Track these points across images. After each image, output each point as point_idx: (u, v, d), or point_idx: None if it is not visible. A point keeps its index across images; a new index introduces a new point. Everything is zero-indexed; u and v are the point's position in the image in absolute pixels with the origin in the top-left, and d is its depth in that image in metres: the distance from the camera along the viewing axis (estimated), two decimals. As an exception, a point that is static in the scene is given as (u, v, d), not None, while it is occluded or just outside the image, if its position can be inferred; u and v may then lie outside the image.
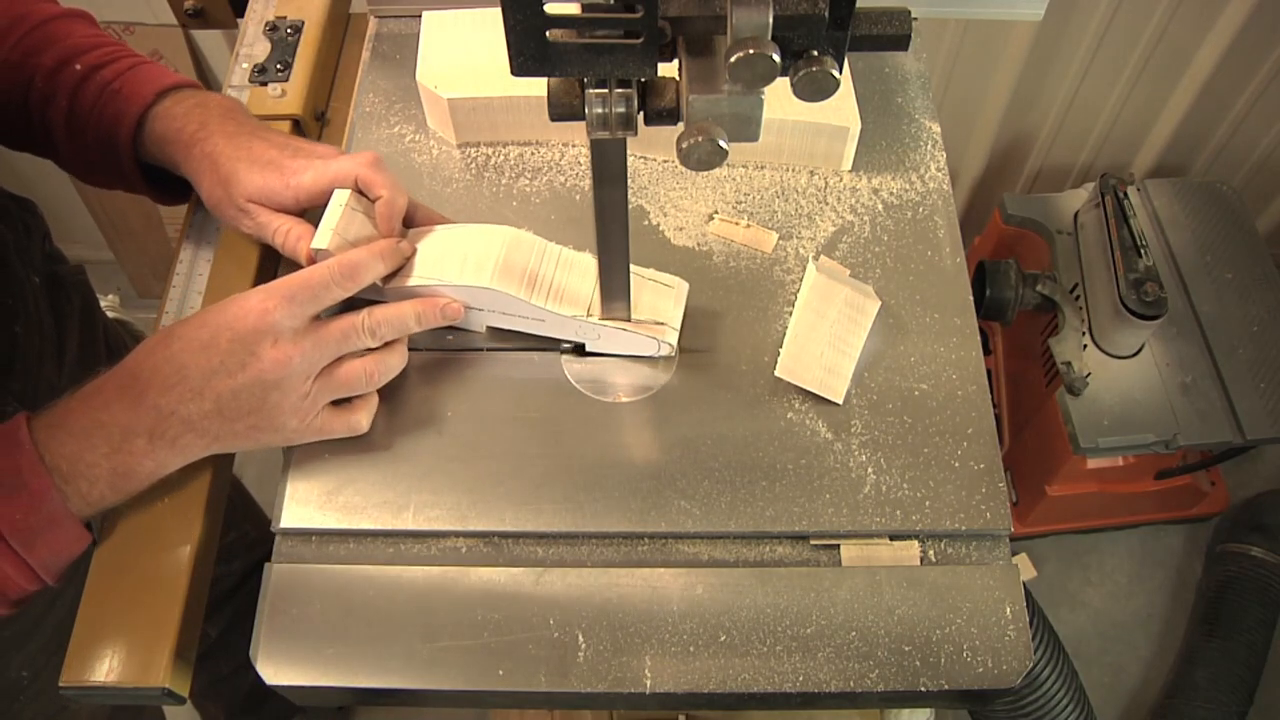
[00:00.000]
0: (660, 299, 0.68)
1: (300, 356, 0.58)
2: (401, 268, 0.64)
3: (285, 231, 0.65)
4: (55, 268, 0.85)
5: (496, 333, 0.69)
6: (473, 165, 0.78)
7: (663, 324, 0.67)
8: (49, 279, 0.82)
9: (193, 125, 0.67)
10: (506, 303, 0.65)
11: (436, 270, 0.64)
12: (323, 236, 0.62)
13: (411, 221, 0.68)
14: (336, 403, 0.62)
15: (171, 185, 0.72)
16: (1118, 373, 1.24)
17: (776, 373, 0.66)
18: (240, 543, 1.02)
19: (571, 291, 0.65)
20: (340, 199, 0.64)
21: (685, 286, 0.69)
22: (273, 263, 0.75)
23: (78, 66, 0.68)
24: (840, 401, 0.66)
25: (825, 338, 0.68)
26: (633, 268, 0.64)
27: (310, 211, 0.66)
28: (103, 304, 0.96)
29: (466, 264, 0.64)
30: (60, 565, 0.57)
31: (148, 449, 0.57)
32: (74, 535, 0.56)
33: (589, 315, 0.65)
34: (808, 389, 0.66)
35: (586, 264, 0.66)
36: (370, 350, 0.62)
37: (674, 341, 0.67)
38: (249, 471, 1.06)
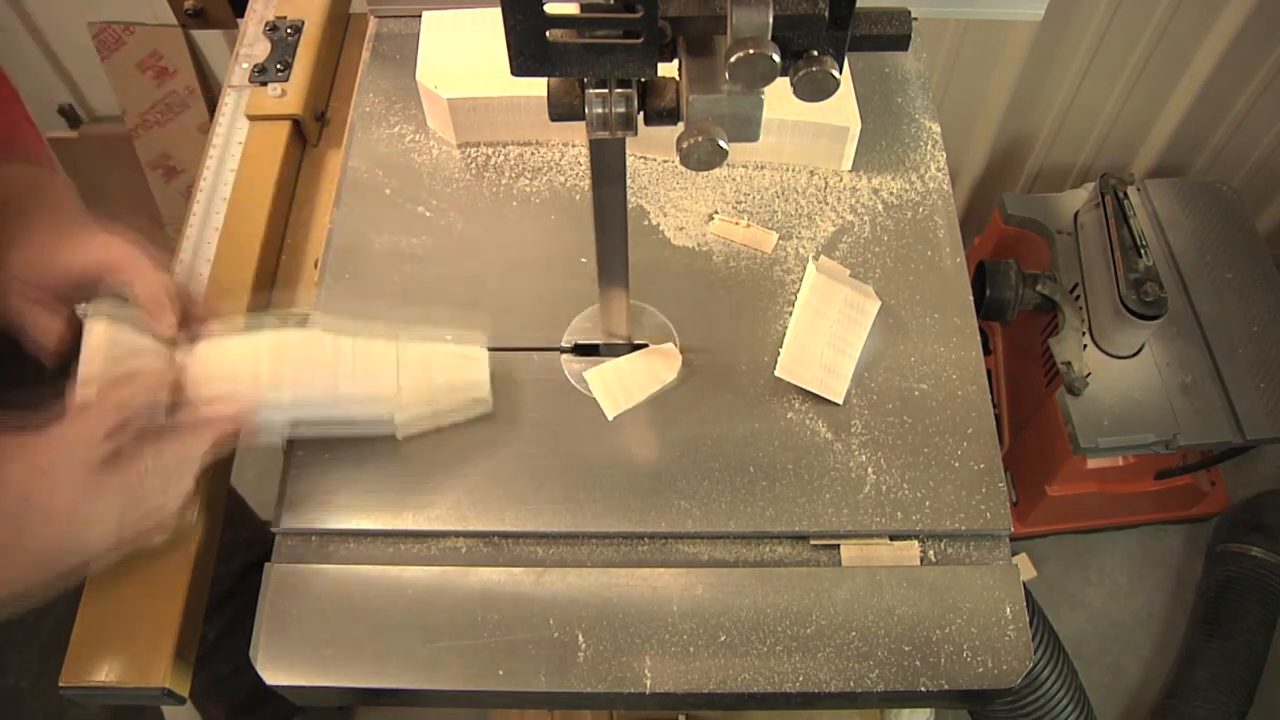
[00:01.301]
0: (461, 372, 0.64)
1: (89, 515, 0.52)
2: (181, 391, 0.58)
3: (34, 317, 0.60)
4: None
5: (497, 333, 0.69)
6: (473, 165, 0.78)
7: (474, 397, 0.64)
8: None
9: None
10: (306, 410, 0.60)
11: (225, 388, 0.58)
12: (86, 387, 0.56)
13: (191, 308, 0.61)
14: None
15: None
16: (1118, 373, 1.24)
17: (777, 373, 0.66)
18: (235, 544, 1.02)
19: (374, 384, 0.61)
20: (94, 333, 0.57)
21: (484, 352, 0.65)
22: (273, 263, 0.75)
23: None
24: (840, 401, 0.66)
25: (825, 338, 0.68)
26: (430, 338, 0.63)
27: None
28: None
29: (259, 374, 0.58)
30: None
31: None
32: None
33: (397, 407, 0.61)
34: (808, 389, 0.66)
35: (382, 352, 0.62)
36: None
37: (487, 400, 0.64)
38: (249, 472, 1.05)
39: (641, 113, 0.49)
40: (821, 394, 0.66)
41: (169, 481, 0.55)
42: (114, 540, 0.54)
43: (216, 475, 0.65)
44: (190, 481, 0.57)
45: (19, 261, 0.60)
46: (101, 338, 0.57)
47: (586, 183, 0.76)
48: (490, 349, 0.68)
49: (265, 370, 0.59)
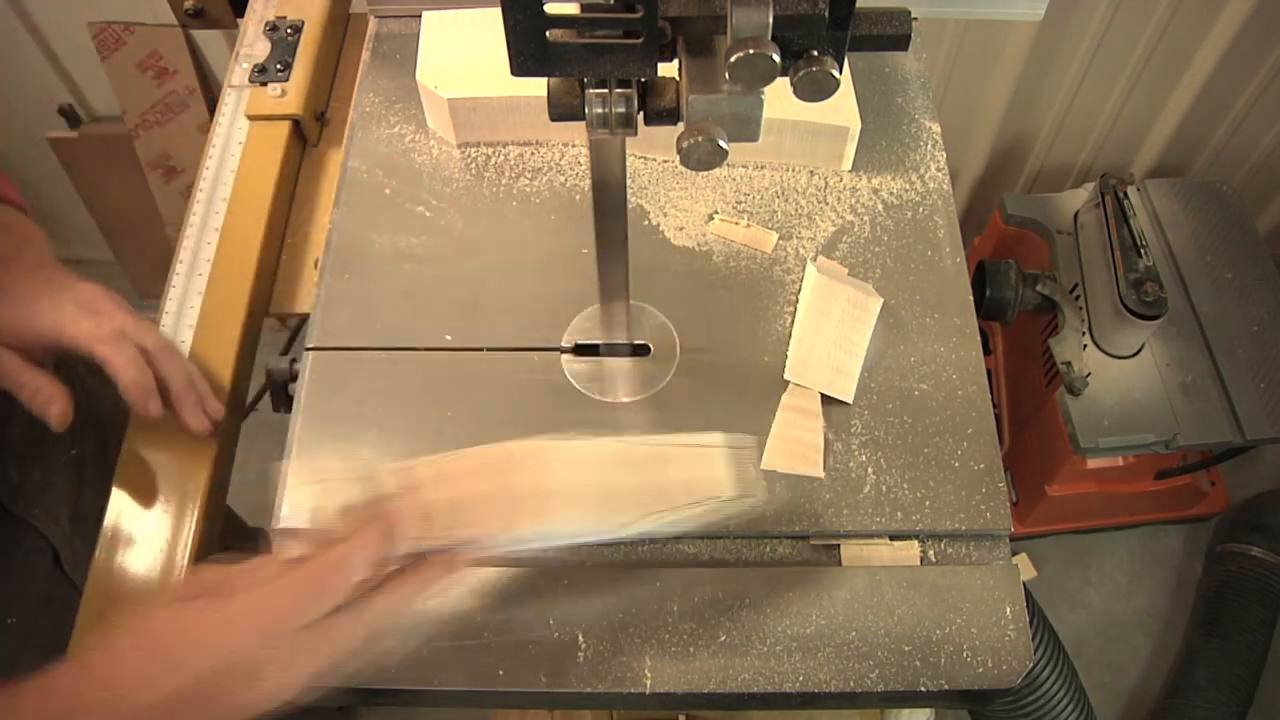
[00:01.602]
0: (704, 468, 0.54)
1: (307, 671, 0.45)
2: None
3: (35, 390, 0.59)
4: None
5: (497, 333, 0.69)
6: (473, 165, 0.78)
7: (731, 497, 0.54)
8: None
9: None
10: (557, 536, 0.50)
11: (470, 528, 0.48)
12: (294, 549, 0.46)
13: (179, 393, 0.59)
14: None
15: None
16: (1118, 373, 1.24)
17: (785, 375, 0.66)
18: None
19: (619, 494, 0.52)
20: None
21: (744, 446, 0.55)
22: (273, 263, 0.75)
23: None
24: (850, 401, 0.66)
25: (831, 338, 0.68)
26: (681, 439, 0.53)
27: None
28: None
29: (522, 505, 0.48)
30: None
31: None
32: None
33: (644, 516, 0.51)
34: (817, 390, 0.66)
35: (629, 456, 0.53)
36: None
37: (750, 493, 0.55)
38: (249, 472, 1.05)
39: (641, 113, 0.49)
40: (831, 394, 0.66)
41: (385, 632, 0.47)
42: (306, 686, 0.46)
43: (217, 474, 0.65)
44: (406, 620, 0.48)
45: (2, 320, 0.59)
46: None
47: (586, 183, 0.76)
48: (490, 349, 0.68)
49: (559, 492, 0.49)
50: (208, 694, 0.43)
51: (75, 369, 0.89)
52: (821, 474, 0.64)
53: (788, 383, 0.67)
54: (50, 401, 0.58)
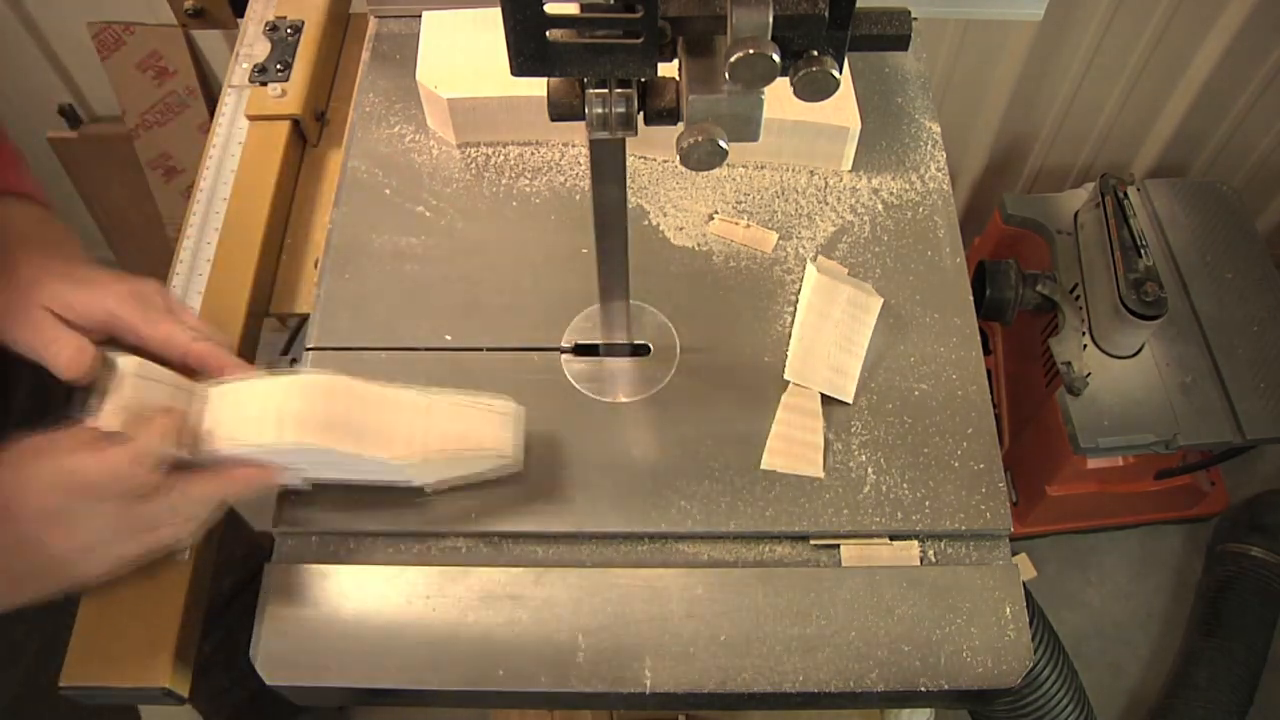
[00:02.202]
0: (493, 427, 0.61)
1: (96, 540, 0.54)
2: (206, 430, 0.57)
3: (55, 340, 0.58)
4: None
5: (497, 333, 0.69)
6: (473, 165, 0.78)
7: (502, 455, 0.61)
8: None
9: (8, 237, 0.62)
10: (328, 456, 0.57)
11: (249, 433, 0.56)
12: (108, 417, 0.55)
13: (203, 361, 0.61)
14: None
15: None
16: (1118, 373, 1.24)
17: (786, 375, 0.66)
18: (230, 562, 1.01)
19: (398, 434, 0.58)
20: (125, 365, 0.56)
21: (521, 411, 0.63)
22: (273, 263, 0.75)
23: None
24: (850, 401, 0.66)
25: (832, 338, 0.68)
26: (459, 396, 0.61)
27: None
28: None
29: (284, 422, 0.56)
30: None
31: None
32: None
33: (422, 459, 0.59)
34: (817, 390, 0.66)
35: (411, 402, 0.60)
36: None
37: (517, 459, 0.62)
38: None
39: (641, 113, 0.49)
40: (831, 394, 0.66)
41: (185, 521, 0.56)
42: (110, 569, 0.55)
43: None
44: (202, 522, 0.57)
45: (49, 294, 0.59)
46: (133, 367, 0.56)
47: (586, 183, 0.76)
48: (490, 349, 0.69)
49: (288, 413, 0.56)
50: (31, 537, 0.52)
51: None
52: (821, 474, 0.64)
53: (788, 383, 0.67)
54: (74, 362, 0.58)
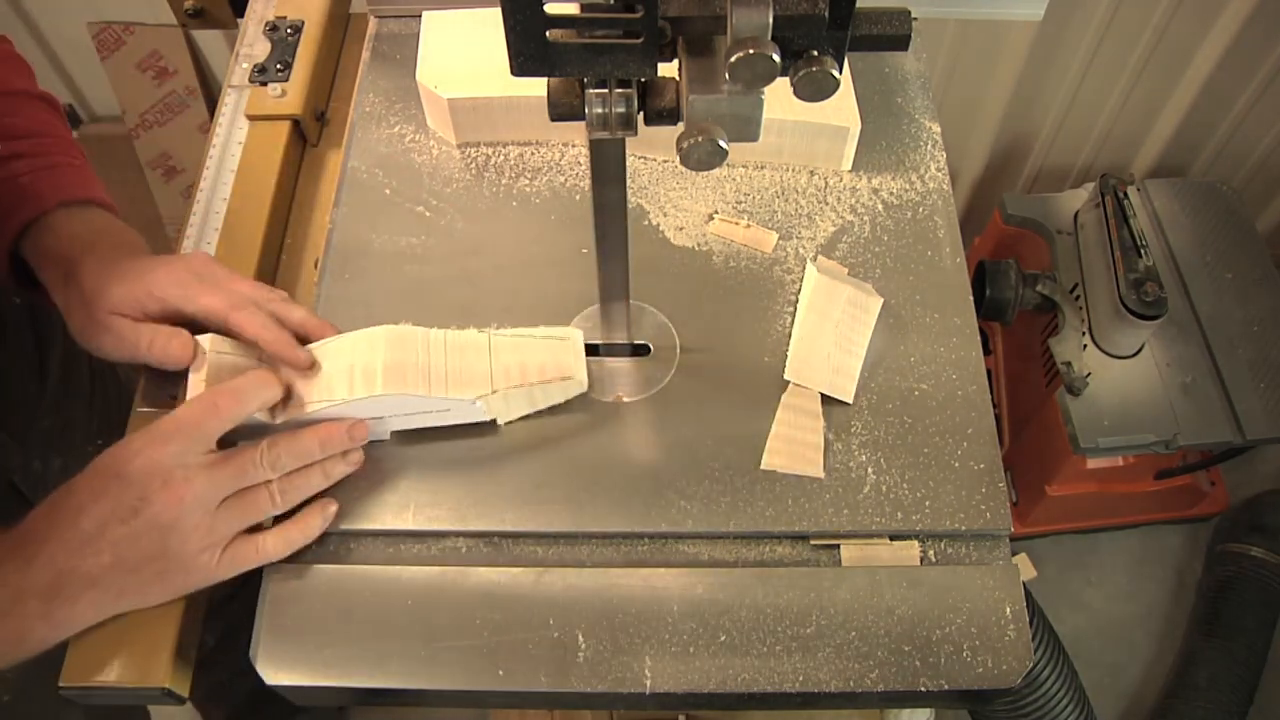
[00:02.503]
0: (556, 354, 0.65)
1: (192, 495, 0.55)
2: (289, 398, 0.61)
3: (151, 339, 0.61)
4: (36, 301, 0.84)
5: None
6: (473, 165, 0.78)
7: (568, 377, 0.65)
8: (31, 302, 0.81)
9: (77, 250, 0.63)
10: (405, 404, 0.61)
11: (325, 392, 0.60)
12: (194, 389, 0.60)
13: (240, 326, 0.63)
14: (252, 529, 0.59)
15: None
16: (1118, 373, 1.24)
17: (786, 376, 0.66)
18: None
19: (469, 373, 0.62)
20: (202, 345, 0.61)
21: (579, 335, 0.66)
22: (273, 263, 0.75)
23: None
24: (850, 401, 0.66)
25: (831, 338, 0.68)
26: (522, 331, 0.65)
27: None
28: None
29: (355, 377, 0.60)
30: None
31: (42, 611, 0.54)
32: None
33: (492, 391, 0.62)
34: (818, 390, 0.66)
35: (475, 341, 0.64)
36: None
37: (581, 381, 0.65)
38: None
39: (641, 113, 0.49)
40: (832, 394, 0.66)
41: (280, 485, 0.59)
42: (211, 541, 0.57)
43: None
44: (315, 475, 0.60)
45: (113, 300, 0.61)
46: (211, 344, 0.61)
47: (586, 183, 0.76)
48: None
49: (362, 367, 0.60)
50: (140, 495, 0.54)
51: (102, 369, 0.90)
52: (821, 474, 0.64)
53: (787, 383, 0.67)
54: (169, 341, 0.61)
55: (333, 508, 0.61)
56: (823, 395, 0.66)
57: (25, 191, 0.64)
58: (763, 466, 0.64)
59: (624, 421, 0.66)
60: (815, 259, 0.73)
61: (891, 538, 0.62)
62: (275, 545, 0.59)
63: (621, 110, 0.48)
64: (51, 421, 0.79)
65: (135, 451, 0.55)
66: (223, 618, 1.04)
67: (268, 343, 0.61)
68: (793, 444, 0.65)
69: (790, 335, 0.69)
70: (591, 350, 0.69)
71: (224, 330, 0.62)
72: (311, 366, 0.61)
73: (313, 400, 0.60)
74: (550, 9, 0.43)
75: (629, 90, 0.47)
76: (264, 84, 0.80)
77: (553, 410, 0.66)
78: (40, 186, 0.65)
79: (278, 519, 0.60)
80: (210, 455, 0.57)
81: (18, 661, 0.55)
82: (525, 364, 0.64)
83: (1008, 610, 0.60)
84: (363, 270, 0.72)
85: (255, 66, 0.81)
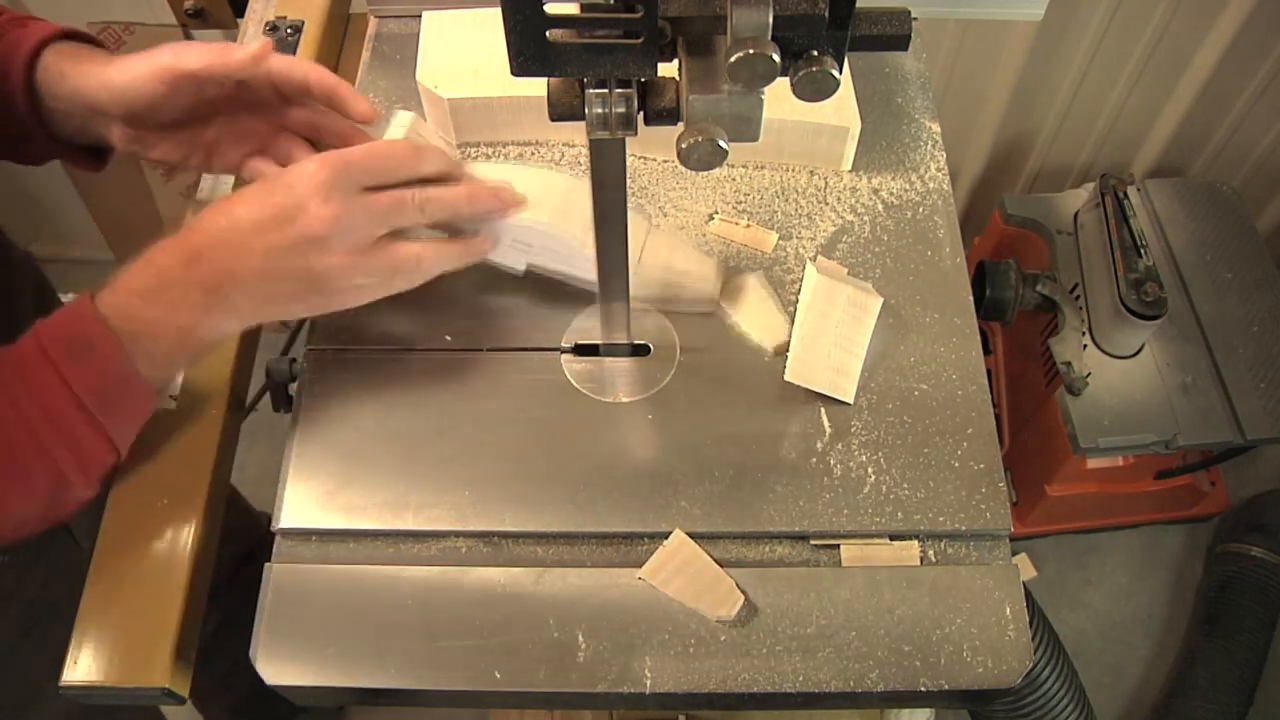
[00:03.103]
0: (698, 264, 0.70)
1: (348, 216, 0.57)
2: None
3: (247, 52, 0.62)
4: (5, 253, 0.84)
5: (497, 333, 0.69)
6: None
7: (702, 290, 0.69)
8: None
9: (98, 56, 0.64)
10: (569, 248, 0.65)
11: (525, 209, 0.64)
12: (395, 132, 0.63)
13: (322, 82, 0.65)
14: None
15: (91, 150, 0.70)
16: (1118, 373, 1.24)
17: (786, 377, 0.66)
18: (225, 532, 1.01)
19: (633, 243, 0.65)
20: (403, 122, 0.64)
21: (716, 261, 0.71)
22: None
23: None
24: (851, 401, 0.66)
25: (832, 338, 0.68)
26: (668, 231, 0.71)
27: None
28: (65, 299, 0.96)
29: (560, 210, 0.64)
30: (130, 433, 0.58)
31: (204, 304, 0.57)
32: (143, 398, 0.57)
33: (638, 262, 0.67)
34: (819, 391, 0.66)
35: (633, 221, 0.64)
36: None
37: (714, 297, 0.69)
38: (249, 472, 1.05)
39: (641, 113, 0.49)
40: (832, 395, 0.66)
41: (427, 215, 0.60)
42: (356, 262, 0.58)
43: (217, 473, 0.65)
44: (456, 247, 0.63)
45: (199, 62, 0.62)
46: (409, 120, 0.64)
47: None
48: (490, 349, 0.69)
49: (563, 203, 0.64)
50: (297, 210, 0.56)
51: None
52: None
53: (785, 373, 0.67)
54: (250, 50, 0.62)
55: (488, 244, 0.64)
56: (823, 395, 0.66)
57: (17, 36, 0.64)
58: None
59: (624, 421, 0.66)
60: (815, 259, 0.73)
61: (891, 538, 0.62)
62: (424, 256, 0.61)
63: (621, 110, 0.48)
64: None
65: (306, 168, 0.57)
66: (220, 604, 1.04)
67: (304, 72, 0.64)
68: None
69: (790, 335, 0.69)
70: (591, 350, 0.69)
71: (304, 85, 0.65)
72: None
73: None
74: (550, 9, 0.43)
75: (629, 90, 0.47)
76: (264, 84, 0.79)
77: (552, 410, 0.66)
78: (31, 30, 0.65)
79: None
80: (369, 190, 0.58)
81: (194, 357, 0.60)
82: (671, 261, 0.69)
83: (1008, 610, 0.60)
84: (363, 270, 0.72)
85: (255, 66, 0.81)
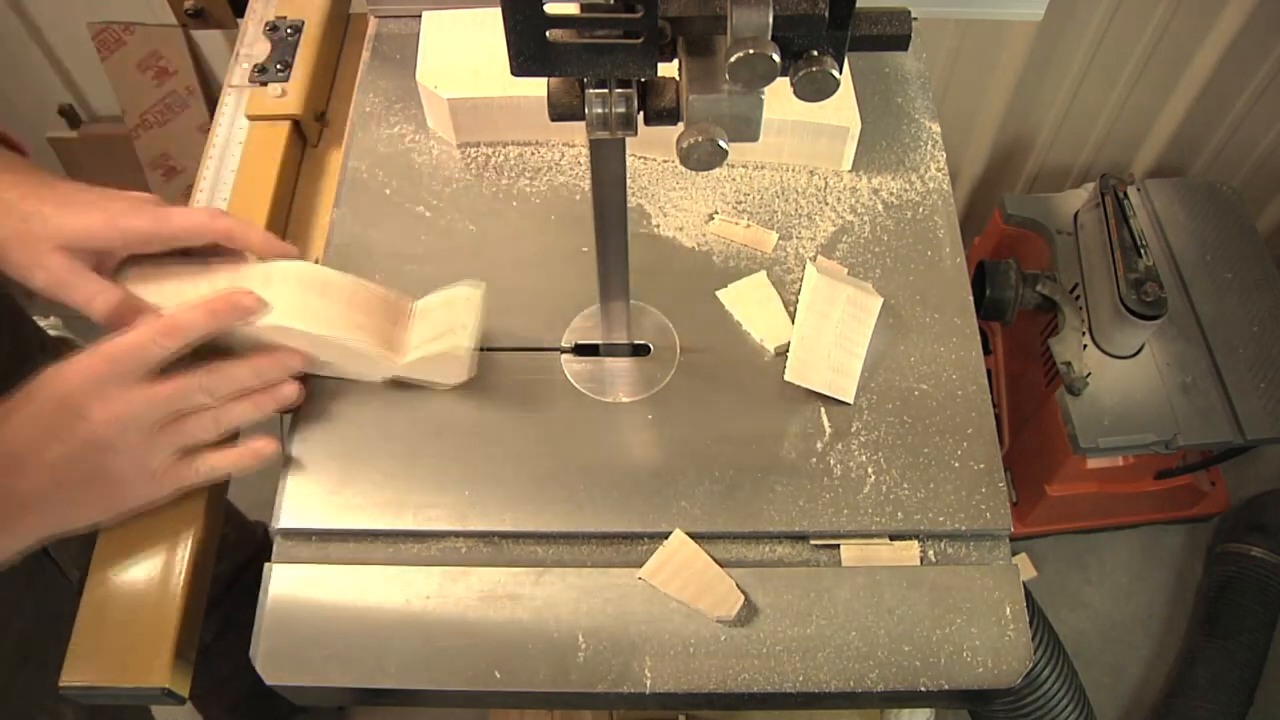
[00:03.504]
0: (450, 312, 0.65)
1: (130, 414, 0.55)
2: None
3: (89, 298, 0.59)
4: None
5: (497, 333, 0.69)
6: (473, 165, 0.78)
7: (451, 331, 0.64)
8: None
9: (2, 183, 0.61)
10: (350, 359, 0.64)
11: (284, 315, 0.61)
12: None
13: (230, 234, 0.63)
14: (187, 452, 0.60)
15: None
16: (1118, 373, 1.24)
17: (786, 377, 0.66)
18: (222, 546, 1.01)
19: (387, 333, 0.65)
20: (470, 297, 0.65)
21: (477, 291, 0.66)
22: (273, 263, 0.75)
23: None
24: (851, 401, 0.66)
25: (831, 338, 0.68)
26: (421, 302, 0.66)
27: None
28: (43, 324, 0.94)
29: (320, 310, 0.62)
30: None
31: None
32: None
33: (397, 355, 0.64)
34: (818, 391, 0.66)
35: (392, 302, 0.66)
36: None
37: (465, 345, 0.64)
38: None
39: (641, 113, 0.49)
40: (832, 395, 0.66)
41: (217, 410, 0.59)
42: (149, 467, 0.57)
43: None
44: (244, 406, 0.60)
45: (57, 229, 0.59)
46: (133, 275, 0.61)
47: (586, 183, 0.76)
48: (490, 349, 0.68)
49: (335, 312, 0.62)
50: (76, 409, 0.54)
51: (56, 352, 0.90)
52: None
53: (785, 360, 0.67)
54: (92, 300, 0.59)
55: (271, 448, 0.62)
56: (823, 395, 0.66)
57: None
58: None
59: (624, 421, 0.66)
60: (815, 259, 0.73)
61: (891, 538, 0.62)
62: (214, 463, 0.60)
63: (621, 110, 0.48)
64: None
65: (75, 371, 0.55)
66: (219, 610, 1.04)
67: (255, 239, 0.62)
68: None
69: (790, 335, 0.69)
70: (591, 350, 0.69)
71: (209, 240, 0.62)
72: (283, 274, 0.62)
73: (272, 319, 0.61)
74: (550, 9, 0.43)
75: (629, 90, 0.47)
76: (264, 84, 0.79)
77: (552, 410, 0.66)
78: None
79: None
80: (148, 377, 0.57)
81: None
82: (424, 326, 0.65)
83: (1008, 610, 0.60)
84: (363, 270, 0.72)
85: (255, 66, 0.81)
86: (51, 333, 0.97)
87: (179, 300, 0.60)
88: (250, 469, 0.61)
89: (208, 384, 0.58)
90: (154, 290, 0.61)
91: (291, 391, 0.63)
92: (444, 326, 0.65)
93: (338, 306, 0.63)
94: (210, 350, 0.60)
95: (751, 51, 0.42)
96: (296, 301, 0.62)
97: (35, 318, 0.94)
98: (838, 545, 0.62)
